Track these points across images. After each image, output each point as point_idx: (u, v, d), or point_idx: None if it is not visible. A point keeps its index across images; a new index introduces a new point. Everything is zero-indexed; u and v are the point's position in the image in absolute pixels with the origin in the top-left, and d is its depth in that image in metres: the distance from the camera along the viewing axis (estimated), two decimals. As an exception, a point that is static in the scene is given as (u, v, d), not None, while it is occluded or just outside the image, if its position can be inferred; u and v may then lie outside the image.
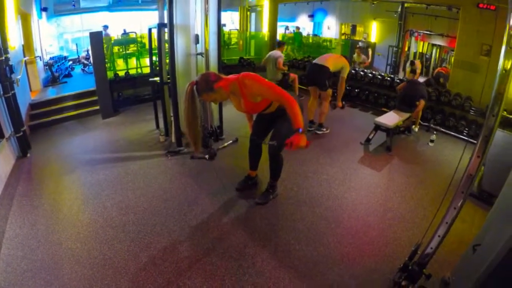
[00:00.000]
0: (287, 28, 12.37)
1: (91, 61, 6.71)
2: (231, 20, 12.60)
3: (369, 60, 8.71)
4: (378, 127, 4.11)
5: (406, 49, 8.72)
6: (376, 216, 2.69)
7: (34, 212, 2.66)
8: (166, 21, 3.51)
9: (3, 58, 3.41)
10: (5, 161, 3.35)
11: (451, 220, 1.58)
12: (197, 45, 3.63)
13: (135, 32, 8.37)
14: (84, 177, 3.25)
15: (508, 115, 4.14)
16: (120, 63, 6.94)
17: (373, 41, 9.49)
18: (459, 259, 1.88)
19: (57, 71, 7.01)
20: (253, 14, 10.72)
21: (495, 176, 2.58)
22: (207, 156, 3.57)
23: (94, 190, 3.00)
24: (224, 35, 8.57)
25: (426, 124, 4.95)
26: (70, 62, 8.57)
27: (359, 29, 10.28)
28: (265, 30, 9.20)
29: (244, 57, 7.99)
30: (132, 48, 7.49)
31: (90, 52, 6.00)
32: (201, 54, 3.63)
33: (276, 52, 5.63)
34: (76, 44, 9.80)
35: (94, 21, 10.34)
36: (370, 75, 6.11)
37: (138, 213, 2.63)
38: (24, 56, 5.15)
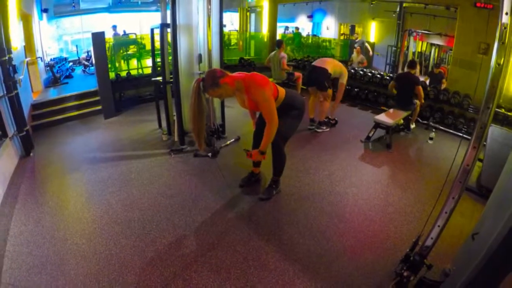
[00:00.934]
0: (286, 28, 12.44)
1: (92, 62, 6.76)
2: (231, 21, 12.66)
3: (371, 53, 8.76)
4: (378, 125, 4.16)
5: (405, 48, 8.79)
6: (377, 210, 2.73)
7: (38, 210, 2.69)
8: (168, 21, 3.55)
9: (6, 58, 3.45)
10: (8, 160, 3.38)
11: (450, 210, 1.62)
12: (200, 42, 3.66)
13: (135, 33, 8.42)
14: (88, 175, 3.28)
15: (506, 113, 4.20)
16: (121, 64, 6.97)
17: (372, 41, 9.56)
18: (458, 249, 1.92)
19: (58, 72, 7.04)
20: (252, 15, 10.79)
21: (494, 172, 2.62)
22: (210, 154, 3.61)
23: (99, 187, 3.03)
24: (224, 35, 8.61)
25: (425, 122, 5.00)
26: (71, 64, 8.60)
27: (358, 29, 10.36)
28: (264, 30, 9.25)
29: (244, 58, 8.03)
30: (132, 49, 7.53)
31: (91, 53, 6.04)
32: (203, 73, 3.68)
33: (279, 52, 5.67)
34: (76, 46, 9.83)
35: (94, 23, 10.40)
36: (369, 74, 6.16)
37: (143, 209, 2.67)
38: (26, 57, 5.18)
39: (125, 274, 1.99)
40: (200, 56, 3.61)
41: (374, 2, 8.84)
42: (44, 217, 2.59)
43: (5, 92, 3.46)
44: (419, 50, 9.24)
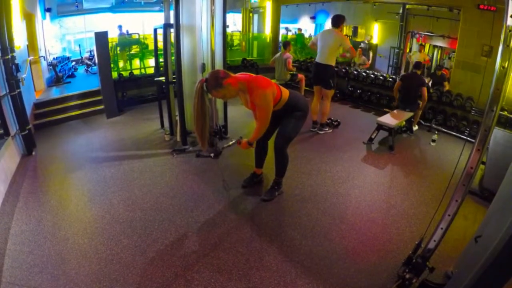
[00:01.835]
0: (288, 29, 12.44)
1: (95, 61, 6.77)
2: (233, 21, 12.68)
3: (370, 61, 8.76)
4: (380, 127, 4.15)
5: (408, 50, 8.77)
6: (380, 212, 2.72)
7: (40, 209, 2.69)
8: (172, 21, 3.56)
9: (9, 56, 3.46)
10: (10, 158, 3.39)
11: (453, 213, 1.62)
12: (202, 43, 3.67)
13: (138, 34, 8.45)
14: (90, 175, 3.28)
15: (509, 115, 4.18)
16: (124, 63, 6.99)
17: (374, 43, 9.54)
18: (461, 252, 1.91)
19: (61, 71, 7.06)
20: (255, 16, 10.79)
21: (496, 174, 2.61)
22: (212, 155, 3.60)
23: (100, 187, 3.04)
24: (227, 36, 8.62)
25: (428, 124, 4.98)
26: (73, 63, 8.63)
27: (361, 30, 10.34)
28: (267, 31, 9.25)
29: (247, 58, 8.03)
30: (134, 49, 7.55)
31: (93, 52, 6.06)
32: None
33: (285, 53, 5.66)
34: (79, 45, 9.87)
35: (97, 22, 10.43)
36: (372, 76, 6.15)
37: (145, 209, 2.67)
38: (29, 56, 5.19)
39: (126, 274, 1.98)
40: (203, 65, 3.62)
41: (377, 4, 8.83)
42: (45, 216, 2.59)
43: (7, 91, 3.47)
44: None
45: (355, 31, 10.70)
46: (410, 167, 3.67)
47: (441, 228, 1.67)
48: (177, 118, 3.90)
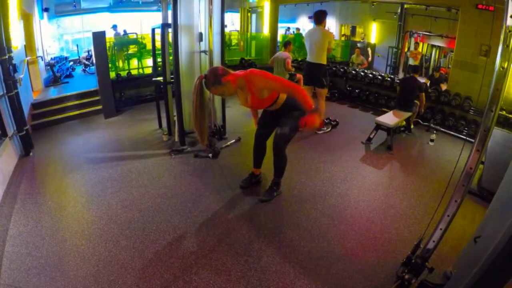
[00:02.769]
0: (288, 29, 12.43)
1: (93, 61, 6.75)
2: (232, 21, 12.66)
3: (370, 58, 8.76)
4: (379, 127, 4.15)
5: (406, 49, 8.79)
6: (378, 212, 2.71)
7: (38, 210, 2.67)
8: (170, 21, 3.54)
9: (7, 57, 3.44)
10: (8, 159, 3.37)
11: (452, 213, 1.62)
12: (201, 43, 3.66)
13: (136, 33, 8.41)
14: (88, 175, 3.26)
15: (507, 115, 4.19)
16: (122, 63, 6.97)
17: (372, 42, 9.55)
18: (460, 252, 1.91)
19: (59, 71, 7.04)
20: (253, 15, 10.78)
21: (495, 174, 2.62)
22: (210, 155, 3.59)
23: (98, 188, 3.02)
24: (225, 36, 8.62)
25: (426, 123, 4.99)
26: (71, 63, 8.59)
27: (359, 30, 10.35)
28: (265, 31, 9.24)
29: (245, 58, 8.03)
30: (132, 49, 7.52)
31: (91, 52, 6.04)
32: (205, 51, 3.67)
33: (284, 53, 5.65)
34: (77, 45, 9.83)
35: (95, 22, 10.38)
36: (370, 75, 6.16)
37: (143, 210, 2.65)
38: (26, 56, 5.16)
39: (124, 276, 1.97)
40: (200, 34, 3.61)
41: (375, 3, 8.84)
42: (43, 218, 2.57)
43: (5, 91, 3.45)
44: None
45: (353, 31, 10.71)
46: (409, 167, 3.68)
47: (440, 229, 1.67)
48: (175, 118, 3.88)
